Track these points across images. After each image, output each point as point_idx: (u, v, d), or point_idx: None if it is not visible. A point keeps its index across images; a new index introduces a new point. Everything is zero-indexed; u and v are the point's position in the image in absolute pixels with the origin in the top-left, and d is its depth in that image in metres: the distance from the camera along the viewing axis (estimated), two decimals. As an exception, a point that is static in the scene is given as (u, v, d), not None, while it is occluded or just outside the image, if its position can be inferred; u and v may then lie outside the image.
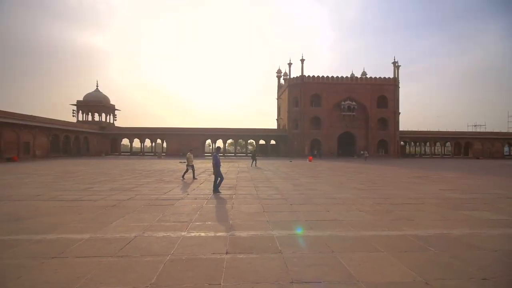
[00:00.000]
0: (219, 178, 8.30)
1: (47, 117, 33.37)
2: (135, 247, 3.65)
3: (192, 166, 12.17)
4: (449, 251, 3.61)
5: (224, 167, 19.17)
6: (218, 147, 9.30)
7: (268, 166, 21.69)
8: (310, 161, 30.23)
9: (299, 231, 4.44)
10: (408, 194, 8.37)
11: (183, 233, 4.25)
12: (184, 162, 27.98)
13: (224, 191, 8.60)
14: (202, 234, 4.25)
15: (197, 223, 4.85)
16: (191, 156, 12.36)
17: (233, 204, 6.63)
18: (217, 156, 8.34)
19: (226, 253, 3.48)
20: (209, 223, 4.90)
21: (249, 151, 57.70)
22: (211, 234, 4.25)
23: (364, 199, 7.44)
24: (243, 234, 4.26)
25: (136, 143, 48.45)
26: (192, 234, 4.21)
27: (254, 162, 23.31)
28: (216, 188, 8.23)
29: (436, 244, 3.86)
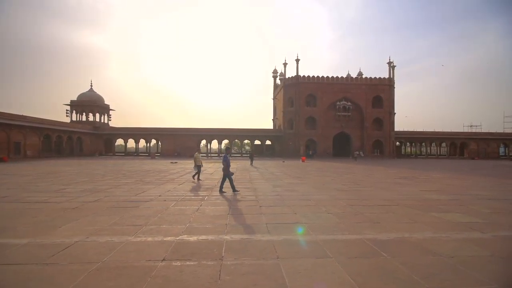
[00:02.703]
0: (229, 177, 8.37)
1: (46, 117, 33.29)
2: (68, 254, 3.43)
3: (199, 167, 11.62)
4: (401, 257, 3.41)
5: (212, 168, 18.97)
6: (228, 148, 9.29)
7: (259, 166, 21.49)
8: (303, 161, 30.08)
9: (253, 235, 4.22)
10: (386, 195, 8.17)
11: (129, 238, 4.04)
12: (175, 163, 27.92)
13: (200, 192, 8.42)
14: (149, 238, 4.03)
15: (151, 227, 4.63)
16: (199, 156, 11.86)
17: (200, 206, 6.42)
18: (227, 157, 8.53)
19: (163, 260, 3.26)
20: (164, 226, 4.68)
21: (245, 152, 57.77)
22: (159, 238, 4.03)
23: (339, 200, 7.23)
24: (192, 238, 4.05)
25: (131, 143, 48.16)
26: (138, 239, 4.00)
27: (251, 161, 25.15)
28: (233, 187, 8.30)
29: (391, 249, 3.66)
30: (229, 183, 8.37)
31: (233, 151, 53.59)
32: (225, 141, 50.16)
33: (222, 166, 8.51)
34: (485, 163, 30.98)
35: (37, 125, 31.38)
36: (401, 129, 48.71)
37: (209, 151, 50.43)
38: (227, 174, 8.36)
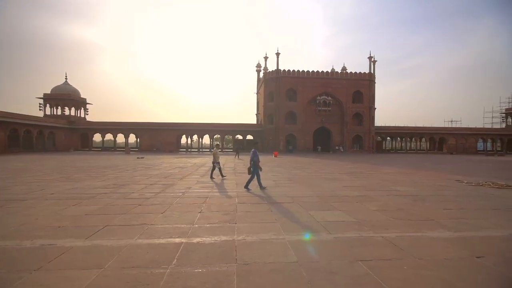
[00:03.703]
0: (257, 174, 8.28)
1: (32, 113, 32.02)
2: None
3: (218, 163, 10.64)
4: (190, 265, 3.03)
5: (186, 163, 18.45)
6: (256, 142, 9.07)
7: (228, 162, 21.02)
8: (275, 156, 29.80)
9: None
10: (300, 192, 7.81)
11: None
12: (142, 158, 27.31)
13: (99, 190, 7.96)
14: None
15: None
16: (217, 152, 10.89)
17: (68, 208, 5.97)
18: (257, 152, 8.27)
19: None
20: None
21: (229, 147, 57.45)
22: None
23: (236, 197, 6.87)
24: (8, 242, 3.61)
25: (121, 138, 47.12)
26: None
27: (237, 155, 27.32)
28: (248, 183, 8.25)
29: (187, 253, 3.28)
30: (256, 179, 8.26)
31: (213, 146, 53.06)
32: (206, 136, 49.57)
33: (252, 162, 8.21)
34: (457, 158, 31.13)
35: (1, 118, 30.28)
36: (387, 125, 48.86)
37: (189, 146, 49.87)
38: (256, 171, 8.17)
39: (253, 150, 8.41)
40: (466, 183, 9.85)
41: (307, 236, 4.02)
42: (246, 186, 8.14)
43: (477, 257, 3.32)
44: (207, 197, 6.88)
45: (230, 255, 3.29)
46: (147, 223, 4.54)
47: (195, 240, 3.80)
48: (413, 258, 3.27)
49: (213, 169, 10.80)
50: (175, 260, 3.13)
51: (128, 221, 4.67)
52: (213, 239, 3.85)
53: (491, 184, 9.37)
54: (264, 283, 2.67)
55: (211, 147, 50.25)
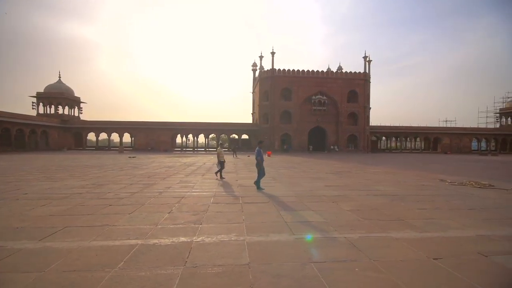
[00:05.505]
0: (261, 173, 8.24)
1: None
2: None
3: (222, 163, 10.60)
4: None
5: (172, 162, 18.29)
6: (261, 141, 9.12)
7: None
8: (269, 155, 29.74)
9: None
10: (283, 191, 7.73)
11: None
12: (134, 157, 27.14)
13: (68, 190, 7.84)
14: None
15: None
16: (222, 151, 10.96)
17: (33, 207, 5.86)
18: (261, 151, 8.23)
19: None
20: None
21: (224, 146, 57.34)
22: None
23: (221, 197, 6.79)
24: None
25: (116, 137, 46.77)
26: None
27: (235, 154, 26.37)
28: (258, 183, 8.15)
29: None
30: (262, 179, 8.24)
31: (209, 145, 52.96)
32: (211, 136, 49.39)
33: (256, 161, 8.25)
34: (451, 158, 31.23)
35: (-8, 118, 30.00)
36: (382, 124, 48.95)
37: (185, 145, 49.66)
38: (261, 169, 8.15)
39: (257, 149, 8.39)
40: (449, 182, 9.83)
41: (267, 237, 3.95)
42: (258, 187, 8.04)
43: (434, 259, 3.26)
44: (183, 197, 6.79)
45: (181, 257, 3.22)
46: (109, 224, 4.45)
47: (152, 241, 3.72)
48: (368, 260, 3.21)
49: (221, 167, 10.62)
50: (122, 263, 3.04)
51: (91, 222, 4.58)
52: (171, 240, 3.77)
53: (473, 183, 9.36)
54: (204, 286, 2.59)
55: (206, 146, 50.07)
